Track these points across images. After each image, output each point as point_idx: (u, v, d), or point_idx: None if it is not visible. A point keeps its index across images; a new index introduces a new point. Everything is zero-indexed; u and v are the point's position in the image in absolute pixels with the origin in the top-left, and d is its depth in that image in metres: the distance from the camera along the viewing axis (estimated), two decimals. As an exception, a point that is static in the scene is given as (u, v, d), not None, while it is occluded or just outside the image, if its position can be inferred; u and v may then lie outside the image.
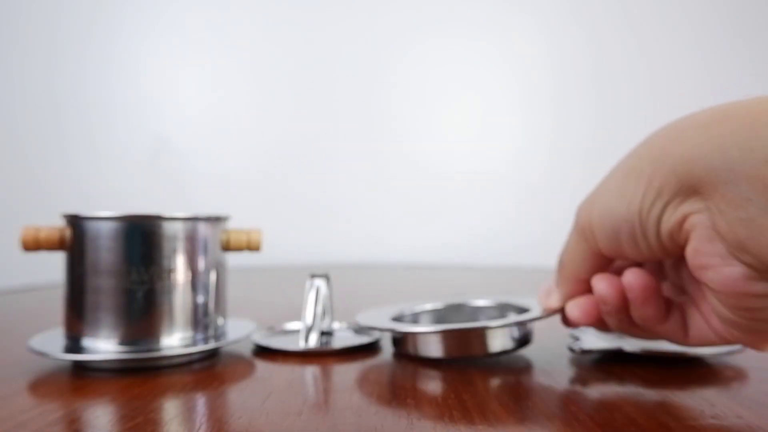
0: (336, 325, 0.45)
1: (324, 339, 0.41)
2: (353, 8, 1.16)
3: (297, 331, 0.44)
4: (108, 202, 1.03)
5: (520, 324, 0.36)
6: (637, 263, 0.33)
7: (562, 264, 0.34)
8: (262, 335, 0.42)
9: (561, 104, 1.19)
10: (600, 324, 0.33)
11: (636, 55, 1.16)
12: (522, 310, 0.39)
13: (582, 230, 0.31)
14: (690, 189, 0.25)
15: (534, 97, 1.22)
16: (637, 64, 1.16)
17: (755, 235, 0.23)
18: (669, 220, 0.26)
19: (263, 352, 0.39)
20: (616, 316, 0.31)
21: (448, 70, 1.21)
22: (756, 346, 0.27)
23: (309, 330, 0.40)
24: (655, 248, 0.28)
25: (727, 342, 0.29)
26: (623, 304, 0.31)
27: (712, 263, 0.25)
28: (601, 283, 0.32)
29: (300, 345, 0.39)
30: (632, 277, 0.30)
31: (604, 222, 0.29)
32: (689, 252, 0.26)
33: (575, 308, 0.33)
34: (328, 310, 0.43)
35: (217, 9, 1.13)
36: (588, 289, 0.33)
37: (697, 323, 0.30)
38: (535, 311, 0.37)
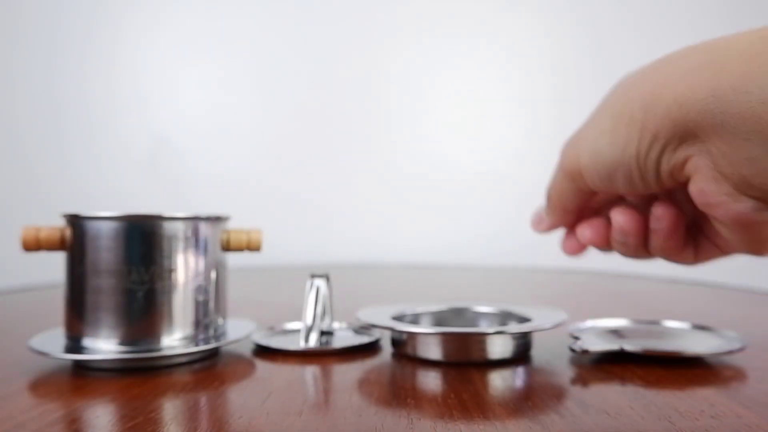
0: (336, 325, 0.45)
1: (324, 339, 0.41)
2: (353, 8, 1.16)
3: (297, 331, 0.44)
4: (108, 202, 1.03)
5: (520, 334, 0.36)
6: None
7: (550, 198, 0.37)
8: (262, 335, 0.42)
9: (561, 104, 1.18)
10: (605, 246, 0.35)
11: (636, 56, 1.16)
12: (523, 320, 0.39)
13: (569, 172, 0.33)
14: (687, 133, 0.25)
15: (534, 97, 1.22)
16: (638, 64, 1.16)
17: (759, 171, 0.24)
18: (669, 162, 0.27)
19: (263, 352, 0.39)
20: (634, 245, 0.32)
21: (448, 70, 1.21)
22: (760, 252, 0.28)
23: (309, 330, 0.40)
24: (654, 186, 0.29)
25: (731, 253, 0.30)
26: (643, 234, 0.32)
27: (721, 201, 0.26)
28: (621, 216, 0.33)
29: (300, 345, 0.39)
30: (661, 211, 0.31)
31: (597, 166, 0.30)
32: (695, 192, 0.27)
33: (587, 229, 0.35)
34: (328, 310, 0.43)
35: (217, 9, 1.13)
36: (576, 218, 0.36)
37: (705, 246, 0.32)
38: (537, 322, 0.37)
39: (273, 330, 0.45)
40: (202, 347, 0.35)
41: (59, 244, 0.35)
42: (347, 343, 0.40)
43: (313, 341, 0.40)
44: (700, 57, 0.25)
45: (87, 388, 0.31)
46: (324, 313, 0.42)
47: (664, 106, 0.26)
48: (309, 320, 0.40)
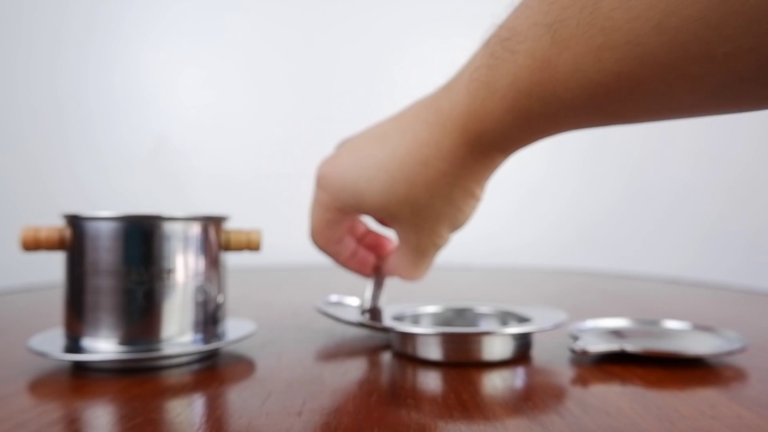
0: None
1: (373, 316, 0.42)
2: (353, 8, 1.16)
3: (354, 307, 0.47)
4: (108, 202, 1.03)
5: (520, 334, 0.36)
6: None
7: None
8: (324, 304, 0.47)
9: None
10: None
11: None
12: (523, 320, 0.39)
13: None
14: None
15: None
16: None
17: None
18: None
19: (265, 352, 0.39)
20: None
21: (448, 70, 1.21)
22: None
23: (370, 298, 0.43)
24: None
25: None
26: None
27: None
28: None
29: (358, 317, 0.41)
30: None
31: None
32: None
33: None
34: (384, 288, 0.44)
35: (218, 9, 1.13)
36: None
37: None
38: (537, 322, 0.37)
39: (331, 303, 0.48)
40: (202, 347, 0.35)
41: (59, 244, 0.35)
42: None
43: (368, 317, 0.41)
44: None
45: (86, 389, 0.31)
46: (379, 292, 0.43)
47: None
48: (368, 294, 0.43)
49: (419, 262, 0.38)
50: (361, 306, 0.43)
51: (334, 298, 0.50)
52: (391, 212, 0.36)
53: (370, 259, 0.43)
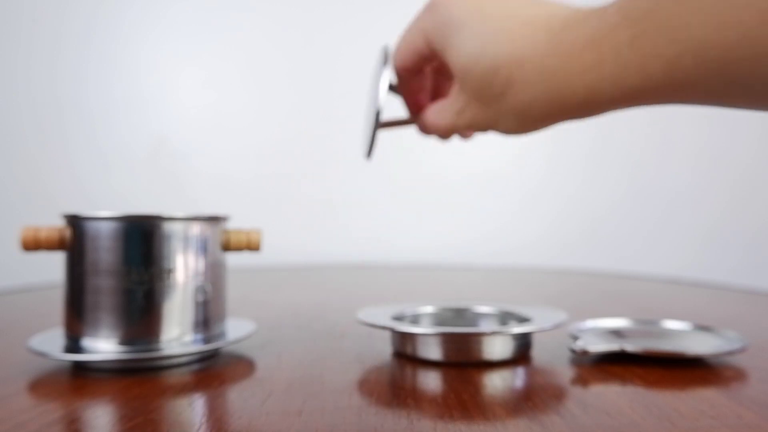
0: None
1: None
2: (353, 8, 1.16)
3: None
4: (108, 202, 1.03)
5: (520, 334, 0.36)
6: None
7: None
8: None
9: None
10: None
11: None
12: (524, 320, 0.39)
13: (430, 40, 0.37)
14: None
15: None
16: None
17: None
18: None
19: (265, 352, 0.39)
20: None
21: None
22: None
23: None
24: None
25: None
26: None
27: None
28: None
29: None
30: None
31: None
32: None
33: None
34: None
35: (217, 9, 1.13)
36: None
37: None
38: (537, 322, 0.37)
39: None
40: (202, 347, 0.35)
41: (59, 244, 0.35)
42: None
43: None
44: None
45: (86, 389, 0.31)
46: None
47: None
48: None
49: (464, 112, 0.35)
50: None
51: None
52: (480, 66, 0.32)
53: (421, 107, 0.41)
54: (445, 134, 0.38)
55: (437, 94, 0.41)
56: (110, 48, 1.09)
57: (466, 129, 0.36)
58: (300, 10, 1.15)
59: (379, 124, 0.38)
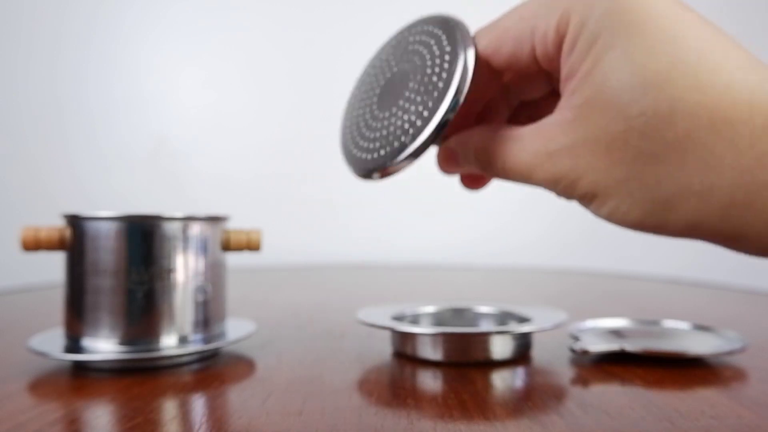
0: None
1: None
2: (353, 8, 1.16)
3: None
4: (109, 202, 1.03)
5: (520, 334, 0.36)
6: None
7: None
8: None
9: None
10: None
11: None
12: (524, 320, 0.39)
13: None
14: None
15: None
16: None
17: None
18: None
19: (265, 352, 0.39)
20: None
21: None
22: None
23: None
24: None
25: None
26: None
27: None
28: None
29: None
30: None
31: None
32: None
33: None
34: None
35: (218, 9, 1.13)
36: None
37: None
38: (537, 322, 0.37)
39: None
40: (202, 347, 0.35)
41: (59, 244, 0.35)
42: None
43: None
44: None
45: (86, 389, 0.31)
46: None
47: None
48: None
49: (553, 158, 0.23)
50: None
51: None
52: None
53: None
54: (501, 174, 0.26)
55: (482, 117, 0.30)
56: (110, 48, 1.09)
57: (543, 181, 0.24)
58: (300, 10, 1.15)
59: (440, 135, 0.25)
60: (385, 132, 0.27)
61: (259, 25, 1.15)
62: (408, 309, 0.42)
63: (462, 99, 0.24)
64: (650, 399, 0.29)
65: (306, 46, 1.15)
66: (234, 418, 0.26)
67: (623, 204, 0.22)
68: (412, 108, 0.26)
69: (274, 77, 1.15)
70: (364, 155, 0.28)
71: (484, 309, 0.43)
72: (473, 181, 0.31)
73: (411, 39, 0.29)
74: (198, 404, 0.28)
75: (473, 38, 0.26)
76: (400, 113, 0.27)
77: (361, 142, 0.28)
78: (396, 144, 0.26)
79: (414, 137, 0.25)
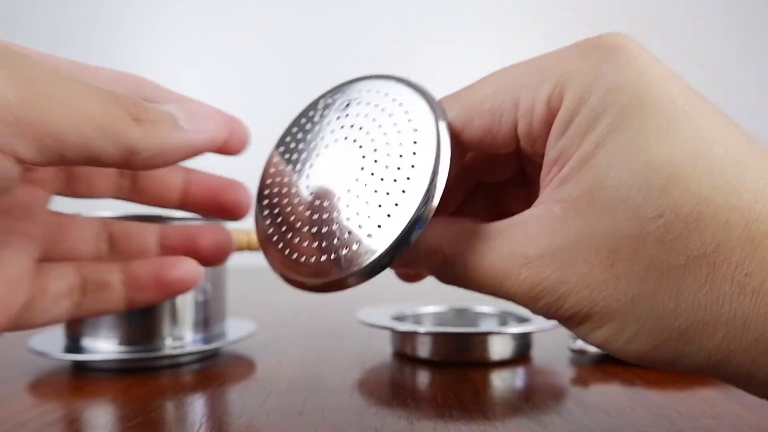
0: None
1: None
2: (353, 8, 1.16)
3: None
4: (108, 202, 1.03)
5: (520, 334, 0.36)
6: None
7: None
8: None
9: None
10: None
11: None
12: (523, 320, 0.39)
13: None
14: None
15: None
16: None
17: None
18: None
19: (265, 352, 0.39)
20: None
21: (448, 72, 1.21)
22: None
23: None
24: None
25: None
26: None
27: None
28: None
29: None
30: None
31: None
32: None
33: None
34: None
35: (217, 9, 1.13)
36: None
37: None
38: (537, 322, 0.37)
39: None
40: (202, 347, 0.35)
41: (59, 244, 0.35)
42: None
43: None
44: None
45: (87, 389, 0.31)
46: None
47: None
48: None
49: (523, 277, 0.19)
50: None
51: None
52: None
53: None
54: (460, 280, 0.21)
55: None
56: (110, 48, 1.09)
57: (517, 294, 0.20)
58: (300, 10, 1.15)
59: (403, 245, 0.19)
60: (325, 229, 0.20)
61: (259, 25, 1.15)
62: (408, 309, 0.42)
63: (438, 199, 0.19)
64: (650, 399, 0.29)
65: (306, 46, 1.15)
66: (234, 418, 0.26)
67: (626, 330, 0.17)
68: (367, 202, 0.20)
69: (274, 77, 1.15)
70: (296, 257, 0.21)
71: (484, 309, 0.43)
72: (412, 276, 0.26)
73: (358, 98, 0.23)
74: (198, 404, 0.28)
75: (442, 107, 0.21)
76: (346, 206, 0.20)
77: (290, 237, 0.22)
78: (344, 252, 0.19)
79: (370, 252, 0.19)
